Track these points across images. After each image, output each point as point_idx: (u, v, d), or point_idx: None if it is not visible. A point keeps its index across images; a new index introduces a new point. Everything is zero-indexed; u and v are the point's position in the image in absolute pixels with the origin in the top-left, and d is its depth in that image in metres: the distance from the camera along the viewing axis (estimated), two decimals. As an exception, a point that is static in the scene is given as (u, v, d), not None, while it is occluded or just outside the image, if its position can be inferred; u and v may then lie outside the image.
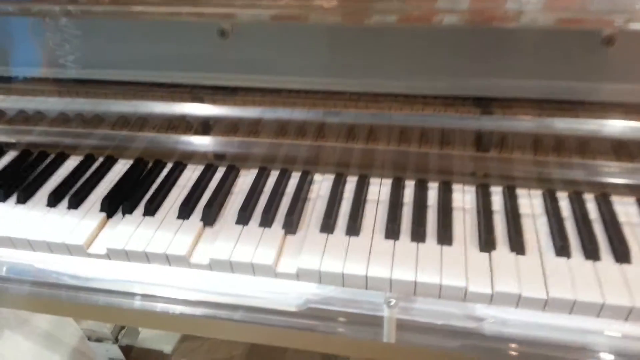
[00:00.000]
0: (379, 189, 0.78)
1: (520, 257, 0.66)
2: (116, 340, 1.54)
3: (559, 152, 0.75)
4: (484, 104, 0.75)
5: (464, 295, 0.63)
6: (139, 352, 1.66)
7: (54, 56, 0.83)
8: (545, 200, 0.74)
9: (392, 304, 0.64)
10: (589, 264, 0.64)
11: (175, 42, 0.77)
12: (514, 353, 0.63)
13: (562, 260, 0.65)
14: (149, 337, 1.69)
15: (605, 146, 0.72)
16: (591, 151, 0.73)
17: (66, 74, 0.84)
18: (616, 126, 0.70)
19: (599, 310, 0.60)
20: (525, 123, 0.74)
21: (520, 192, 0.75)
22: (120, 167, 0.87)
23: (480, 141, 0.77)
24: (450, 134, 0.77)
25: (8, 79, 0.89)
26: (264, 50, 0.75)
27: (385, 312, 0.65)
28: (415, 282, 0.64)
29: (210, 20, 0.74)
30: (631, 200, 0.73)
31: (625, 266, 0.64)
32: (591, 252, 0.65)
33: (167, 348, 1.66)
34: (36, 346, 1.72)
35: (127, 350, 1.61)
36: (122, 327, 1.56)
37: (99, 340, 1.53)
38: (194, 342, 1.67)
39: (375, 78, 0.75)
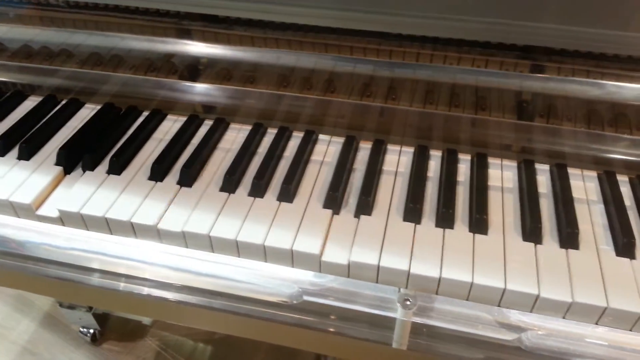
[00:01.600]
0: (398, 159, 0.65)
1: (571, 251, 0.52)
2: (90, 309, 1.43)
3: (622, 125, 0.61)
4: (535, 57, 0.61)
5: (500, 300, 0.50)
6: (116, 321, 1.56)
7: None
8: (602, 185, 0.60)
9: (409, 303, 0.51)
10: (660, 268, 0.51)
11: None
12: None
13: (625, 261, 0.52)
14: (128, 305, 1.58)
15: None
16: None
17: None
18: None
19: None
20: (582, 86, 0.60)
21: (572, 172, 0.61)
22: (87, 113, 0.73)
23: (525, 106, 0.62)
24: (489, 95, 0.63)
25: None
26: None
27: (399, 313, 0.51)
28: (440, 279, 0.51)
29: None
30: None
31: None
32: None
33: (146, 319, 1.56)
34: (6, 307, 1.63)
35: (102, 318, 1.51)
36: (99, 293, 1.45)
37: (71, 307, 1.43)
38: (175, 313, 1.57)
39: (401, 15, 0.60)
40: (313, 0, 0.62)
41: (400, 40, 0.63)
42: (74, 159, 0.64)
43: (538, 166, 0.63)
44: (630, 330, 0.50)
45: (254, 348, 1.48)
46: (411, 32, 0.62)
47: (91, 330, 1.50)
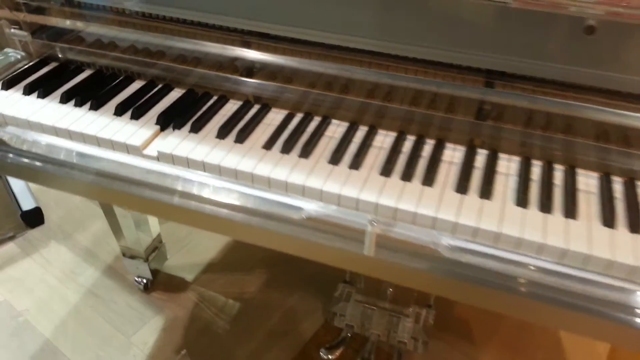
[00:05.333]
0: (384, 139, 0.93)
1: (485, 201, 0.80)
2: (146, 260, 1.73)
3: (546, 127, 0.87)
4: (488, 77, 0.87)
5: (433, 224, 0.78)
6: (164, 276, 1.87)
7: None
8: (521, 164, 0.88)
9: (374, 223, 0.80)
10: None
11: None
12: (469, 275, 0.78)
13: (519, 209, 0.79)
14: (174, 265, 1.90)
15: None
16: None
17: (139, 7, 1.00)
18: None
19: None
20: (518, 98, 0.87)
21: (501, 156, 0.89)
22: (175, 94, 1.04)
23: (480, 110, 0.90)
24: (454, 100, 0.90)
25: (90, 7, 1.06)
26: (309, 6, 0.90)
27: (368, 229, 0.80)
28: (396, 209, 0.79)
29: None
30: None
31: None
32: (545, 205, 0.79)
33: (189, 277, 1.86)
34: (76, 258, 1.94)
35: (154, 273, 1.81)
36: (154, 250, 1.77)
37: (132, 257, 1.73)
38: (212, 274, 1.86)
39: (399, 42, 0.87)
40: (333, 27, 0.90)
41: (397, 58, 0.91)
42: (168, 121, 0.95)
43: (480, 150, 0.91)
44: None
45: (273, 308, 1.76)
46: (404, 54, 0.91)
47: (144, 280, 1.80)
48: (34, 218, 2.01)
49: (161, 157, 0.90)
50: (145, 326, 1.69)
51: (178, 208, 0.90)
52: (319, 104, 0.98)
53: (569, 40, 0.76)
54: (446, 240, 0.78)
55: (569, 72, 0.80)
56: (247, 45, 0.99)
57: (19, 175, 1.02)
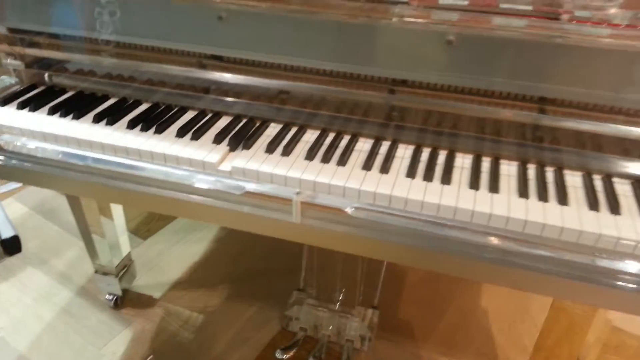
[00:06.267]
0: (310, 136, 1.17)
1: (383, 175, 1.04)
2: (117, 275, 1.89)
3: (435, 123, 1.12)
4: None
5: (343, 192, 1.01)
6: (133, 294, 2.02)
7: (111, 25, 1.25)
8: (414, 150, 1.12)
9: (298, 193, 1.02)
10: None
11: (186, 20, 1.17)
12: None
13: (408, 180, 1.03)
14: (142, 284, 2.06)
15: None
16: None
17: (111, 37, 1.23)
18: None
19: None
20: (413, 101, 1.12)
21: (400, 145, 1.14)
22: (143, 107, 1.27)
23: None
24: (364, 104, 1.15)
25: (73, 39, 1.29)
26: (249, 32, 1.15)
27: (294, 198, 1.02)
28: (314, 182, 1.02)
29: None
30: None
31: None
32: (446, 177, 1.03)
33: (157, 294, 2.02)
34: (51, 281, 2.09)
35: (123, 292, 1.97)
36: (124, 267, 1.93)
37: (105, 273, 1.89)
38: (178, 292, 2.03)
39: (327, 61, 1.11)
40: (269, 49, 1.15)
41: (327, 72, 1.16)
42: (136, 125, 1.18)
43: (384, 142, 1.15)
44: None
45: (234, 319, 1.92)
46: (332, 68, 1.16)
47: (114, 297, 1.95)
48: (12, 246, 2.17)
49: (130, 152, 1.12)
50: (115, 338, 1.82)
51: (144, 195, 1.11)
52: (260, 112, 1.22)
53: (435, 51, 1.03)
54: (353, 205, 1.00)
55: (442, 77, 1.06)
56: (203, 67, 1.23)
57: (11, 177, 1.22)
